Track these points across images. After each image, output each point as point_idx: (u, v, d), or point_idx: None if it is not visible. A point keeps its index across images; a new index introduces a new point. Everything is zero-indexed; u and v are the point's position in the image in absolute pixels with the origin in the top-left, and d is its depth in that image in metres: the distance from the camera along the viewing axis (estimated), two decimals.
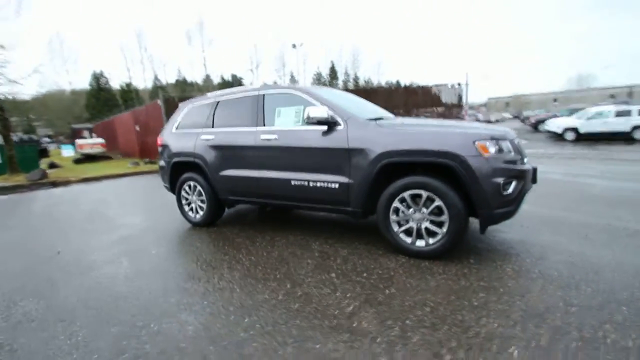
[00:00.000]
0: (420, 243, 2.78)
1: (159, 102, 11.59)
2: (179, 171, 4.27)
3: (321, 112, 3.02)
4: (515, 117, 41.94)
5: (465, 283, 2.35)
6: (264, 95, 3.62)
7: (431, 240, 2.74)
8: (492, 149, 2.56)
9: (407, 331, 1.85)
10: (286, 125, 3.41)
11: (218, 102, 4.02)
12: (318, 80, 52.90)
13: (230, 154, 3.75)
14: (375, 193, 2.92)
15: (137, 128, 14.11)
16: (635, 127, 12.81)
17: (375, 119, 3.11)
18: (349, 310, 2.10)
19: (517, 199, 2.63)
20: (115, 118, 18.48)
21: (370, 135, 2.92)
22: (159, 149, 4.55)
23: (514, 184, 2.59)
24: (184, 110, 4.38)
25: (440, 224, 2.69)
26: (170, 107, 10.49)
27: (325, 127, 3.10)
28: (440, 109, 16.43)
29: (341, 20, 70.76)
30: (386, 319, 1.98)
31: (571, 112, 19.21)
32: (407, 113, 14.73)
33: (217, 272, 2.79)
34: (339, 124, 3.06)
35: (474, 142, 2.55)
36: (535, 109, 44.73)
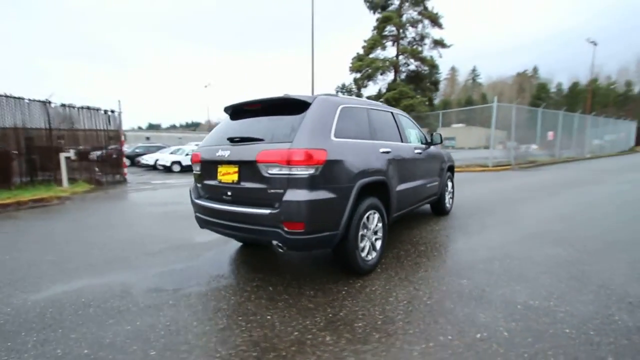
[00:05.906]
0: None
1: None
2: (360, 199, 2.99)
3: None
4: None
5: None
6: (397, 114, 4.23)
7: None
8: None
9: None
10: (415, 142, 4.41)
11: (370, 110, 3.55)
12: None
13: (401, 167, 3.74)
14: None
15: None
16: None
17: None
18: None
19: None
20: None
21: (444, 152, 5.42)
22: (314, 169, 2.53)
23: None
24: (336, 111, 3.00)
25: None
26: None
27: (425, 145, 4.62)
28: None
29: None
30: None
31: (147, 147, 23.26)
32: None
33: None
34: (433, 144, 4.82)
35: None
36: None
